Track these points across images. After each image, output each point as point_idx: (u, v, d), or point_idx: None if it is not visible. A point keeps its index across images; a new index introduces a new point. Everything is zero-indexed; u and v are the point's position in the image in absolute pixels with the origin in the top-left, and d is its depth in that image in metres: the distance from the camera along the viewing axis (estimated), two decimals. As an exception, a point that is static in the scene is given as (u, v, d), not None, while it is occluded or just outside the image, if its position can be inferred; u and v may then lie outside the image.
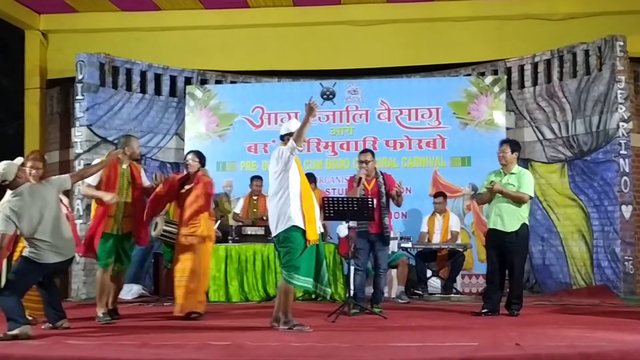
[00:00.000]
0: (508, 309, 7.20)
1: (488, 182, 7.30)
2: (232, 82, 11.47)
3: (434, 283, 9.66)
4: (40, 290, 6.09)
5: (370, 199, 7.12)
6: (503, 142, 7.49)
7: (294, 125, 6.08)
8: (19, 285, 5.72)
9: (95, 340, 5.41)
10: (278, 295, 6.10)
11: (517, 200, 7.11)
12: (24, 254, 5.83)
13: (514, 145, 7.40)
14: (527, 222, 7.23)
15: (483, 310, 7.20)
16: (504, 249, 7.15)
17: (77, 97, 10.49)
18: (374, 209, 7.15)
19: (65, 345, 5.13)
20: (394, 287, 9.35)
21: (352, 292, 7.33)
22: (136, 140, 7.15)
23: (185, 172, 7.21)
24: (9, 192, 5.94)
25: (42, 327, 6.02)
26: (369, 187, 7.39)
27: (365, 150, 7.76)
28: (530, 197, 7.25)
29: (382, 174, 7.57)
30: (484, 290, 7.57)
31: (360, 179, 7.27)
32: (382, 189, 7.37)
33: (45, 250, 5.73)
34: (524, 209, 7.19)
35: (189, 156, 7.20)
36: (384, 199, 7.35)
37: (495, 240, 7.21)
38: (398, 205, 7.65)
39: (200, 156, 7.18)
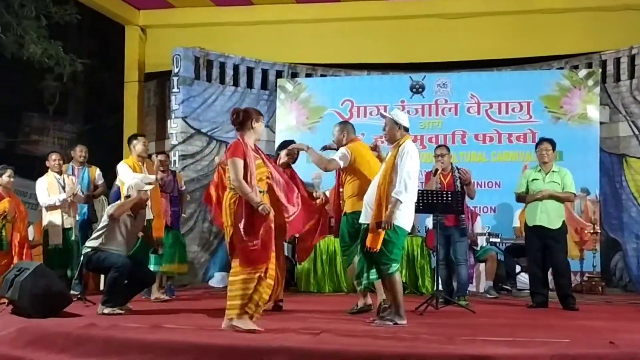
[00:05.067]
0: (566, 305, 7.25)
1: (528, 179, 7.58)
2: (322, 76, 11.60)
3: (523, 279, 9.54)
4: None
5: (459, 192, 7.23)
6: (544, 140, 7.67)
7: (402, 116, 6.00)
8: None
9: (191, 325, 5.58)
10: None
11: (567, 201, 7.49)
12: None
13: (554, 143, 7.62)
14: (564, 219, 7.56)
15: (532, 304, 7.43)
16: (547, 245, 7.37)
17: (173, 90, 10.88)
18: (463, 203, 7.26)
19: (163, 329, 5.31)
20: (482, 282, 9.30)
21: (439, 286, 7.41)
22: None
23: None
24: None
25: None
26: (444, 180, 7.59)
27: (440, 145, 8.04)
28: (575, 195, 7.71)
29: (457, 169, 7.77)
30: (531, 286, 7.72)
31: (437, 170, 7.42)
32: (458, 183, 7.57)
33: None
34: (563, 206, 7.52)
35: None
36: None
37: (539, 236, 7.42)
38: (470, 197, 7.87)
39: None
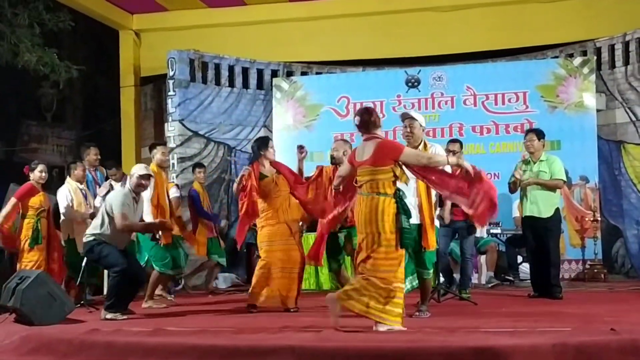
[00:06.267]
0: (551, 295, 7.25)
1: (518, 170, 7.53)
2: (317, 73, 11.61)
3: (525, 269, 9.54)
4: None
5: None
6: (529, 131, 7.73)
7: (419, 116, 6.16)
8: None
9: (193, 327, 5.62)
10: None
11: (553, 187, 7.38)
12: None
13: (540, 133, 7.59)
14: (559, 207, 7.47)
15: (534, 294, 7.47)
16: (540, 235, 7.36)
17: (169, 93, 10.89)
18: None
19: (165, 332, 5.31)
20: (483, 273, 9.31)
21: (441, 279, 7.43)
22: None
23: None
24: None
25: None
26: None
27: (454, 140, 7.96)
28: (564, 182, 7.58)
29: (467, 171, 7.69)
30: (531, 276, 7.73)
31: None
32: None
33: None
34: (557, 194, 7.45)
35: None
36: None
37: (532, 226, 7.43)
38: None
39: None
